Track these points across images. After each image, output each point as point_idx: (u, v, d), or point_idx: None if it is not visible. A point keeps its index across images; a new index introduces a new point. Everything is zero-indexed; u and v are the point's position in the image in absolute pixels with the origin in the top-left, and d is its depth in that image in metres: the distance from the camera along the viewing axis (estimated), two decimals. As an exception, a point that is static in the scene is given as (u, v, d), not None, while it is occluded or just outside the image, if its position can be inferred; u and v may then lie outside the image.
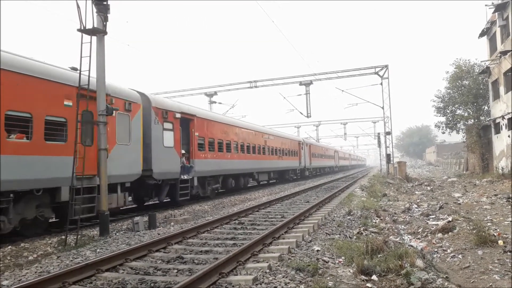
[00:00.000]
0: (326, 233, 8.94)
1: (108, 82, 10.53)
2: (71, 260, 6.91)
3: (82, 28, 9.37)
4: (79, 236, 8.93)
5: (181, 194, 15.04)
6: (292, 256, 6.63)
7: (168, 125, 14.44)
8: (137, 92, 13.16)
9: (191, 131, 16.56)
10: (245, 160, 22.50)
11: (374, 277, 5.72)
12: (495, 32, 26.40)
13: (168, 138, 14.35)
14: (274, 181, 31.71)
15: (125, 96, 12.09)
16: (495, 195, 16.67)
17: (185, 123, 16.17)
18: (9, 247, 8.27)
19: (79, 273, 5.63)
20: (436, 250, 8.28)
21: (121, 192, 11.66)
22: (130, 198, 13.58)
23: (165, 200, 15.46)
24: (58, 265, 6.63)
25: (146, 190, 13.88)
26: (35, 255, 7.79)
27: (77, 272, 5.62)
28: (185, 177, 15.34)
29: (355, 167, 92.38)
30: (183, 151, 15.59)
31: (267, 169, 27.22)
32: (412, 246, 8.28)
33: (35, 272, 6.25)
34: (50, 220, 10.81)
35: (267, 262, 6.09)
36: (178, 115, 15.03)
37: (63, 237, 8.84)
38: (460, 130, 35.64)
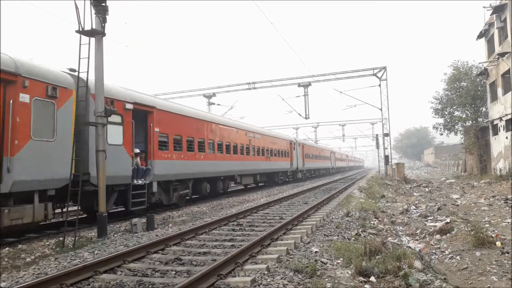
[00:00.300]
0: (324, 234, 8.94)
1: (19, 58, 9.10)
2: (69, 262, 6.89)
3: (80, 29, 9.36)
4: (77, 238, 8.91)
5: (135, 202, 12.40)
6: (291, 258, 6.63)
7: (115, 118, 11.64)
8: (70, 74, 10.55)
9: (149, 126, 13.81)
10: (224, 161, 19.66)
11: (372, 278, 5.72)
12: (493, 34, 26.49)
13: (115, 134, 11.70)
14: (262, 184, 28.91)
15: (47, 78, 9.60)
16: (493, 196, 16.71)
17: (142, 116, 13.62)
18: (7, 248, 8.25)
19: (77, 275, 5.62)
20: (434, 251, 8.29)
21: (41, 202, 9.20)
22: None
23: (112, 210, 13.37)
24: (56, 266, 6.61)
25: (86, 199, 10.79)
26: (32, 257, 7.77)
27: (74, 274, 5.61)
28: (140, 182, 12.69)
29: (353, 168, 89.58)
30: (137, 150, 13.03)
31: (252, 171, 24.22)
32: (410, 247, 8.29)
33: (33, 273, 6.23)
34: (48, 222, 10.72)
35: (265, 264, 6.09)
36: (129, 106, 12.32)
37: (61, 238, 8.82)
38: (458, 132, 35.74)
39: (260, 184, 28.70)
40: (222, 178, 20.31)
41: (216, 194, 20.38)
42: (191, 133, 16.75)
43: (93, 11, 9.64)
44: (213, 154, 18.54)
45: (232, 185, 24.15)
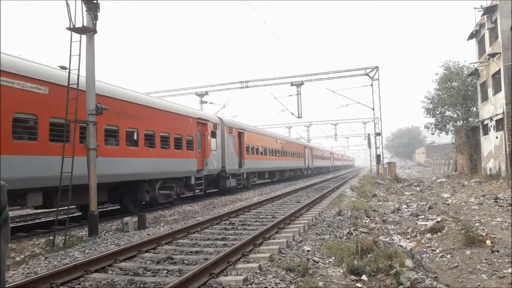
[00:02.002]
0: (316, 233, 8.96)
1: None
2: (59, 261, 6.82)
3: (71, 26, 9.27)
4: (67, 237, 8.83)
5: None
6: (283, 256, 6.63)
7: None
8: None
9: None
10: None
11: (364, 277, 5.74)
12: (484, 34, 26.74)
13: None
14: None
15: None
16: (483, 195, 16.88)
17: None
18: (-4, 248, 8.14)
19: (67, 274, 5.56)
20: (425, 250, 8.35)
21: None
22: None
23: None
24: (46, 266, 6.55)
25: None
26: (22, 256, 7.69)
27: (65, 273, 5.55)
28: None
29: (340, 168, 76.92)
30: None
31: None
32: (401, 246, 8.33)
33: (22, 273, 6.17)
34: (39, 221, 10.65)
35: (257, 263, 6.08)
36: None
37: (51, 237, 8.74)
38: (449, 131, 36.05)
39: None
40: None
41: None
42: None
43: (84, 8, 9.55)
44: None
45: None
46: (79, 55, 9.23)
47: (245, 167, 23.70)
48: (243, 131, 23.99)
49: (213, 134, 19.21)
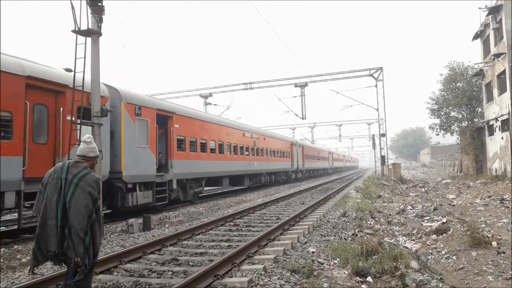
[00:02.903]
0: (321, 234, 8.95)
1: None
2: (65, 263, 6.84)
3: (76, 29, 9.31)
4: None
5: None
6: (287, 258, 6.62)
7: None
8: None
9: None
10: None
11: (369, 278, 5.73)
12: (489, 34, 26.62)
13: None
14: None
15: None
16: (489, 196, 16.78)
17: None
18: (2, 249, 8.20)
19: (73, 276, 5.58)
20: (430, 251, 8.32)
21: None
22: None
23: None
24: (51, 267, 6.57)
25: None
26: (28, 258, 7.72)
27: (71, 275, 5.56)
28: None
29: (341, 170, 70.15)
30: None
31: None
32: (406, 247, 8.31)
33: (28, 274, 6.19)
34: None
35: (262, 264, 6.09)
36: None
37: (57, 239, 8.75)
38: (454, 132, 35.87)
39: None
40: None
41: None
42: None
43: (89, 11, 9.59)
44: None
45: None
46: (84, 57, 9.26)
47: (176, 171, 15.22)
48: (172, 114, 15.21)
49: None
